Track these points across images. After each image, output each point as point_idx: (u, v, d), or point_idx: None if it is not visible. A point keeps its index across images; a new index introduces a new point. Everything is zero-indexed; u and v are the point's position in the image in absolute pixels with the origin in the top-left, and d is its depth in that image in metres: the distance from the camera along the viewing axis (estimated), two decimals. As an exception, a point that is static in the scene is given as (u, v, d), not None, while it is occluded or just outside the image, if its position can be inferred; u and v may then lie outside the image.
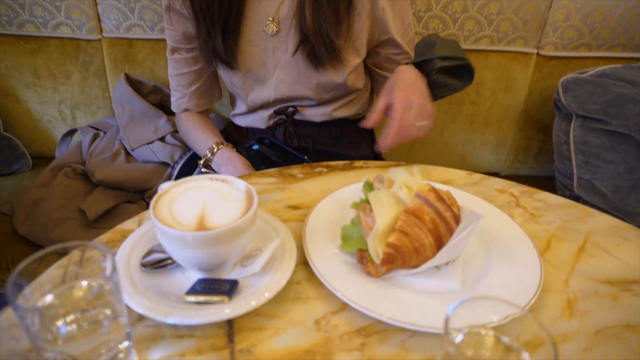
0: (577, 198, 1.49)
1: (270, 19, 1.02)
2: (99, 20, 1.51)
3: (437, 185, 0.71)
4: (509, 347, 0.44)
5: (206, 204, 0.58)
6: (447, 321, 0.40)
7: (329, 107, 1.17)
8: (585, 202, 1.46)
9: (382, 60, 1.15)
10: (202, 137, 1.17)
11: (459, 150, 1.75)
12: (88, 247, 0.47)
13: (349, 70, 1.07)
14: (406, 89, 0.86)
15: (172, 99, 1.21)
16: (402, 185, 0.63)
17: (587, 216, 0.80)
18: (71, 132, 1.58)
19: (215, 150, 1.11)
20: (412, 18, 1.13)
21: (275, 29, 1.03)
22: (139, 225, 0.72)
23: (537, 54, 1.57)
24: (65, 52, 1.54)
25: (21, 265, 0.43)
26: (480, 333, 0.45)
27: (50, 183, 1.37)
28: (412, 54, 1.13)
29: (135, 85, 1.49)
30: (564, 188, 1.53)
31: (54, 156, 1.63)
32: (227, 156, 1.09)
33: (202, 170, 1.13)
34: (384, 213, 0.61)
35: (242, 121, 1.26)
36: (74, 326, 0.43)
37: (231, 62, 1.06)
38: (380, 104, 0.87)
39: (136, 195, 1.36)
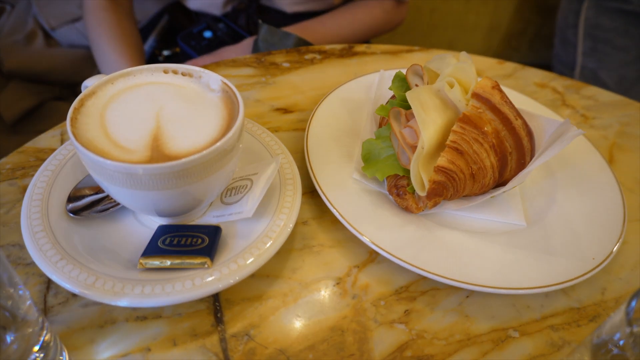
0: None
1: None
2: None
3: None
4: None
5: (161, 113, 0.36)
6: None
7: None
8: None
9: None
10: (108, 55, 0.84)
11: (448, 34, 1.53)
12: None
13: None
14: None
15: None
16: (452, 81, 0.43)
17: (647, 116, 0.65)
18: None
19: None
20: None
21: None
22: (62, 141, 0.49)
23: None
24: None
25: None
26: None
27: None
28: None
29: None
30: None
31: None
32: None
33: None
34: (430, 121, 0.41)
35: (192, 3, 0.96)
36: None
37: None
38: None
39: (66, 91, 1.08)
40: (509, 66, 0.71)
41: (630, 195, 0.52)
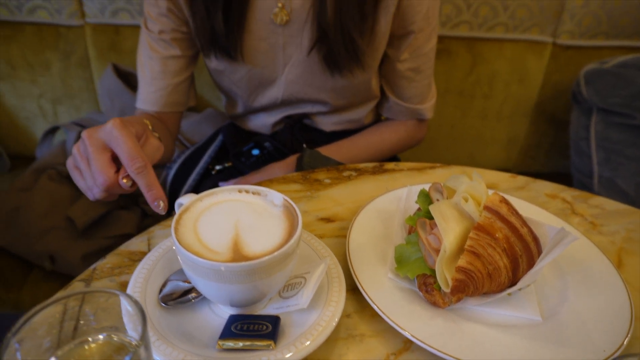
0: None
1: (280, 5, 0.88)
2: (81, 4, 1.36)
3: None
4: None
5: (239, 224, 0.47)
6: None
7: (342, 116, 1.05)
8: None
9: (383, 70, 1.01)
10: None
11: (469, 147, 1.67)
12: (100, 292, 0.36)
13: (370, 74, 0.96)
14: None
15: (142, 91, 0.95)
16: (467, 196, 0.53)
17: (652, 224, 0.72)
18: (53, 130, 1.43)
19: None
20: (437, 22, 0.97)
21: (284, 19, 0.89)
22: (149, 245, 0.60)
23: (553, 43, 1.48)
24: (44, 40, 1.39)
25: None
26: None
27: (32, 187, 1.23)
28: (424, 67, 0.99)
29: (124, 77, 1.35)
30: (582, 186, 1.45)
31: (34, 156, 1.48)
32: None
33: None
34: (450, 230, 0.51)
35: (243, 123, 1.12)
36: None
37: (232, 52, 0.90)
38: None
39: (129, 201, 1.23)
40: (521, 179, 0.81)
41: (638, 294, 0.58)
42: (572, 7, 1.41)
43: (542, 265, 0.49)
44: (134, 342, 0.34)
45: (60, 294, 0.46)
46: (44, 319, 0.35)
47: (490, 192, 0.54)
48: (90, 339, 0.35)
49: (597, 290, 0.55)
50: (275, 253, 0.43)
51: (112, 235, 1.18)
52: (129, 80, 1.36)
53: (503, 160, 1.70)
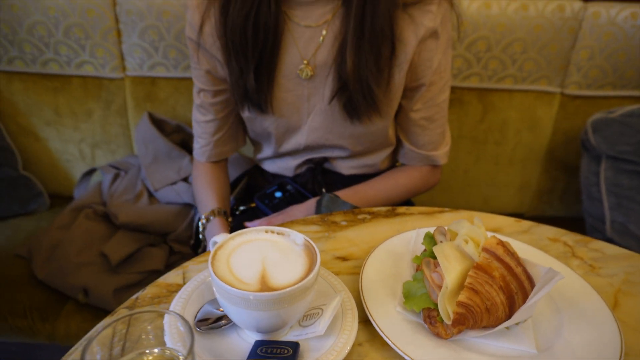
0: (609, 241, 1.45)
1: (305, 62, 1.00)
2: (123, 59, 1.51)
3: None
4: None
5: (266, 259, 0.54)
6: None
7: (360, 160, 1.14)
8: (619, 246, 1.41)
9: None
10: (203, 197, 1.14)
11: (482, 191, 1.72)
12: (146, 312, 0.43)
13: (387, 122, 1.05)
14: None
15: (196, 146, 1.16)
16: (467, 239, 0.60)
17: (650, 267, 0.76)
18: (91, 172, 1.55)
19: (205, 221, 1.08)
20: (450, 76, 1.07)
21: (309, 74, 1.00)
22: (184, 278, 0.68)
23: (561, 93, 1.56)
24: (88, 91, 1.54)
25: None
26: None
27: (70, 225, 1.33)
28: (437, 117, 1.08)
29: (158, 124, 1.47)
30: (595, 231, 1.48)
31: (72, 195, 1.60)
32: (215, 232, 1.05)
33: (200, 237, 1.10)
34: (452, 268, 0.57)
35: (268, 166, 1.23)
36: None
37: (263, 105, 1.02)
38: None
39: (158, 239, 1.32)
40: (526, 224, 0.87)
41: (633, 333, 0.63)
42: (577, 60, 1.49)
43: (534, 301, 0.55)
44: (181, 357, 0.41)
45: (120, 312, 0.54)
46: (105, 335, 0.42)
47: (490, 234, 0.61)
48: (147, 351, 0.42)
49: (589, 327, 0.60)
50: (297, 285, 0.50)
51: (142, 270, 1.26)
52: (162, 126, 1.48)
53: (517, 205, 1.74)
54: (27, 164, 1.61)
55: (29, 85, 1.53)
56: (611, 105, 1.53)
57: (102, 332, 0.40)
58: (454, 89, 1.53)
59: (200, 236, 1.10)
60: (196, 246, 1.34)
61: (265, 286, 0.51)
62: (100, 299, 1.21)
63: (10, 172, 1.53)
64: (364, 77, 0.94)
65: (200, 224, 1.09)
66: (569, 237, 0.84)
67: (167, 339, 0.46)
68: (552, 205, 1.73)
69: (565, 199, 1.72)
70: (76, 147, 1.61)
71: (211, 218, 1.08)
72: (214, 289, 0.52)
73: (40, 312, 1.25)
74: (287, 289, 0.50)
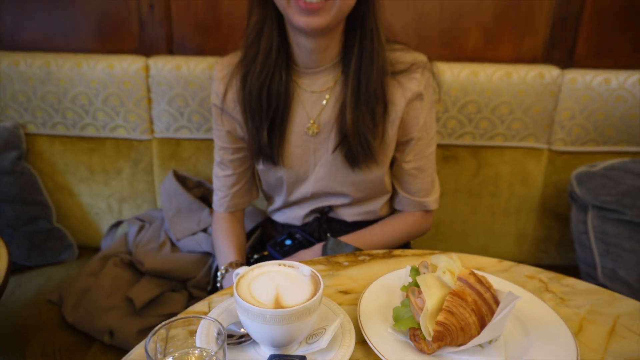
0: (602, 287, 1.53)
1: (312, 121, 1.17)
2: (152, 123, 1.70)
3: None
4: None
5: (279, 286, 0.67)
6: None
7: (361, 207, 1.28)
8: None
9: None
10: (222, 248, 1.28)
11: (481, 241, 1.82)
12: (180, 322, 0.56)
13: (383, 170, 1.20)
14: None
15: (215, 198, 1.31)
16: (445, 270, 0.72)
17: (615, 300, 0.87)
18: (117, 224, 1.70)
19: (225, 271, 1.21)
20: (435, 132, 1.25)
21: (315, 131, 1.17)
22: (209, 307, 0.80)
23: (549, 149, 1.70)
24: (119, 151, 1.72)
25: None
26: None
27: (98, 272, 1.46)
28: (425, 167, 1.24)
29: (181, 180, 1.64)
30: (589, 277, 1.56)
31: (98, 246, 1.74)
32: (231, 282, 1.19)
33: (218, 285, 1.23)
34: (432, 294, 0.69)
35: (279, 217, 1.37)
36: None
37: (275, 158, 1.19)
38: None
39: (179, 285, 1.44)
40: (506, 263, 0.98)
41: (592, 353, 0.73)
42: (560, 119, 1.65)
43: (497, 319, 0.66)
44: (213, 354, 0.53)
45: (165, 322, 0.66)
46: (155, 339, 0.55)
47: (463, 268, 0.73)
48: (190, 351, 0.55)
49: (552, 346, 0.71)
50: (304, 304, 0.63)
51: (164, 314, 1.37)
52: (185, 182, 1.65)
53: (515, 254, 1.83)
54: (60, 217, 1.77)
55: (67, 147, 1.72)
56: (596, 159, 1.66)
57: (157, 332, 0.53)
58: (448, 147, 1.69)
59: (218, 284, 1.22)
60: (212, 292, 1.46)
61: (278, 305, 0.63)
62: (124, 340, 1.31)
63: (45, 225, 1.69)
64: (361, 131, 1.11)
65: (219, 273, 1.22)
66: (544, 275, 0.95)
67: (199, 340, 0.58)
68: (548, 253, 1.82)
69: (561, 248, 1.81)
70: (105, 201, 1.77)
71: (229, 269, 1.21)
72: (237, 308, 0.65)
73: (69, 353, 1.35)
74: (297, 307, 0.62)
